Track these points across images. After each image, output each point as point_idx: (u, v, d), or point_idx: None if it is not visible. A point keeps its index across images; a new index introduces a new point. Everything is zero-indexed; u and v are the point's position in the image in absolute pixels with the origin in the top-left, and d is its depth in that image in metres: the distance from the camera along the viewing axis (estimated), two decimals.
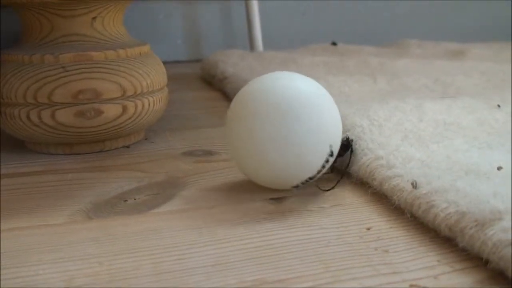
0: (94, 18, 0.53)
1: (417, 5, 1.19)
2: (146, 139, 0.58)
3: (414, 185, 0.37)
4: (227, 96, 0.75)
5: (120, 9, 0.54)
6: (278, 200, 0.41)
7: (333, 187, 0.42)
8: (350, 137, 0.45)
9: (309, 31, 1.14)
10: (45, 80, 0.49)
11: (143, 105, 0.53)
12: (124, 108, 0.52)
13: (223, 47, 1.08)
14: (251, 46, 1.04)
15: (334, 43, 1.00)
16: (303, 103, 0.38)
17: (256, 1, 1.04)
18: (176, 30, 1.10)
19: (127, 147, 0.55)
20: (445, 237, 0.34)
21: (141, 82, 0.53)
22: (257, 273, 0.31)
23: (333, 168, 0.44)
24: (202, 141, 0.56)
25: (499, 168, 0.37)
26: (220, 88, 0.79)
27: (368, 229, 0.36)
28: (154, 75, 0.54)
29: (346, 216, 0.38)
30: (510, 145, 0.42)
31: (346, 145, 0.44)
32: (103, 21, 0.53)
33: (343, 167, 0.44)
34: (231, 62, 0.82)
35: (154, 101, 0.54)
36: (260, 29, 1.03)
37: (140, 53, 0.55)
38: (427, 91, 0.63)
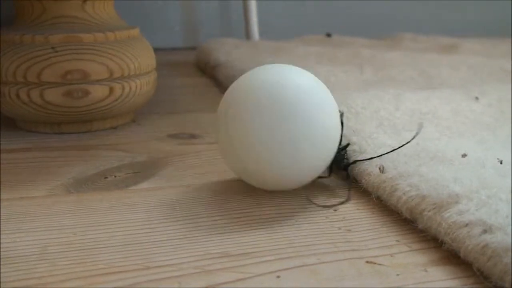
0: (85, 1, 0.54)
1: None
2: (134, 121, 0.59)
3: (381, 170, 0.38)
4: (219, 83, 0.76)
5: None
6: None
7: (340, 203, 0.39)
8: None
9: (307, 21, 1.15)
10: (35, 60, 0.51)
11: (130, 87, 0.55)
12: (111, 90, 0.53)
13: (220, 35, 1.09)
14: (247, 35, 1.05)
15: (328, 35, 1.02)
16: (305, 100, 0.36)
17: None
18: (174, 17, 1.11)
19: (114, 128, 0.57)
20: (406, 219, 0.35)
21: (129, 65, 0.54)
22: (222, 246, 0.33)
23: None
24: (189, 125, 0.58)
25: (463, 155, 0.38)
26: (212, 75, 0.80)
27: (335, 210, 0.38)
28: (142, 59, 0.56)
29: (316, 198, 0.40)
30: (481, 134, 0.44)
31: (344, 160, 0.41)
32: (94, 4, 0.55)
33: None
34: (224, 50, 0.84)
35: (141, 83, 0.56)
36: (256, 19, 1.05)
37: (129, 36, 0.56)
38: (412, 82, 0.64)
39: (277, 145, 0.35)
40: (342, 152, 0.41)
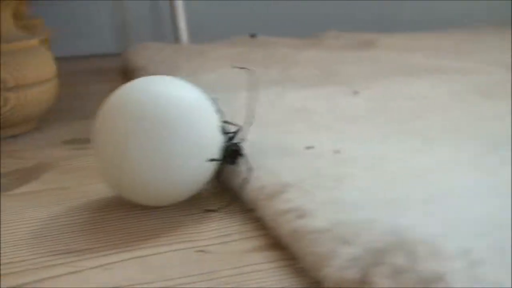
0: None
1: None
2: (37, 128, 0.61)
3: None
4: None
5: (7, 8, 0.58)
6: None
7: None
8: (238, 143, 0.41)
9: (241, 22, 1.17)
10: None
11: (26, 96, 0.56)
12: (6, 100, 0.55)
13: (154, 40, 1.11)
14: (176, 38, 1.07)
15: (253, 35, 1.04)
16: (178, 114, 0.36)
17: None
18: (106, 23, 1.13)
19: (15, 136, 0.58)
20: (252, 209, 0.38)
21: (24, 75, 0.56)
22: (70, 243, 0.35)
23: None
24: (88, 131, 0.60)
25: (308, 148, 0.40)
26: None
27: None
28: (39, 68, 0.58)
29: None
30: (344, 127, 0.46)
31: (235, 151, 0.40)
32: None
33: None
34: (145, 55, 0.86)
35: (38, 92, 0.58)
36: (185, 22, 1.07)
37: (26, 47, 0.58)
38: (311, 80, 0.67)
39: (149, 162, 0.35)
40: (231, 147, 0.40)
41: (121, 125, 0.36)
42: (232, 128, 0.41)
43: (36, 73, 0.57)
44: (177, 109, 0.36)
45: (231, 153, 0.40)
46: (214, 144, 0.38)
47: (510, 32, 0.96)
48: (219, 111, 0.39)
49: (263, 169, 0.38)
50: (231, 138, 0.40)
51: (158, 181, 0.36)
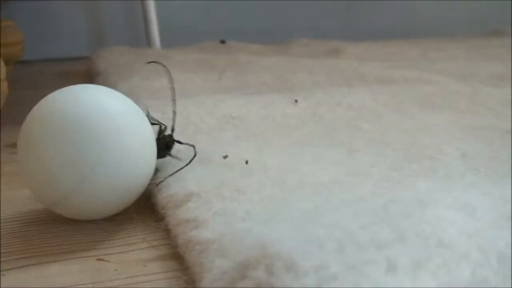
0: None
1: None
2: None
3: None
4: None
5: None
6: None
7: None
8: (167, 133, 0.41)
9: (216, 28, 1.18)
10: None
11: None
12: None
13: (127, 43, 1.11)
14: (148, 43, 1.07)
15: (222, 41, 1.04)
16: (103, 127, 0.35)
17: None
18: (82, 26, 1.13)
19: None
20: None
21: None
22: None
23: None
24: None
25: (225, 157, 0.41)
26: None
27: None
28: None
29: None
30: (270, 137, 0.47)
31: (167, 144, 0.41)
32: None
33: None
34: (108, 59, 0.86)
35: None
36: (156, 26, 1.07)
37: None
38: (262, 87, 0.67)
39: (76, 175, 0.34)
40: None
41: (41, 135, 0.35)
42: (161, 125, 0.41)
43: None
44: (105, 120, 0.35)
45: (164, 145, 0.40)
46: (145, 155, 0.37)
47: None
48: (148, 117, 0.39)
49: (175, 177, 0.39)
50: (161, 132, 0.41)
51: (81, 194, 0.35)
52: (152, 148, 0.38)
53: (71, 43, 1.11)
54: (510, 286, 0.24)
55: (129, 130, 0.36)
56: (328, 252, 0.25)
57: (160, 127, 0.42)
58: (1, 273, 0.32)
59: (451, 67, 0.78)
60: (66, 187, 0.34)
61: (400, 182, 0.36)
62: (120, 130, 0.35)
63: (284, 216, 0.30)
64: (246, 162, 0.39)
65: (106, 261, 0.34)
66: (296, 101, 0.56)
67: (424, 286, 0.23)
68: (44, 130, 0.35)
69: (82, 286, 0.31)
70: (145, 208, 0.40)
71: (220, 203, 0.34)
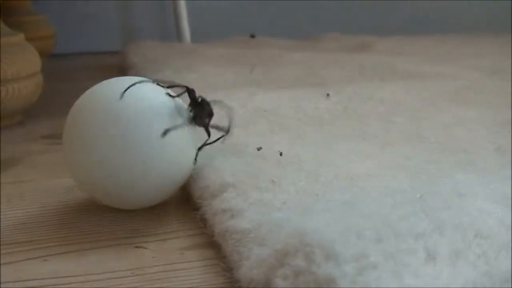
0: None
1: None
2: (20, 123, 0.63)
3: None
4: None
5: None
6: None
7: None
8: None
9: (245, 23, 1.18)
10: None
11: (7, 91, 0.58)
12: None
13: (157, 38, 1.13)
14: (178, 37, 1.08)
15: (252, 36, 1.05)
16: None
17: None
18: (114, 22, 1.15)
19: None
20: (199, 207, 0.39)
21: (6, 70, 0.58)
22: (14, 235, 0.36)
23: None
24: None
25: (259, 149, 0.41)
26: None
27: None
28: (21, 63, 0.59)
29: None
30: (303, 130, 0.47)
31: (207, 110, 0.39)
32: None
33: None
34: (140, 53, 0.87)
35: (19, 88, 0.59)
36: (187, 21, 1.08)
37: (9, 43, 0.59)
38: (292, 81, 0.67)
39: (121, 165, 0.35)
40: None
41: (88, 125, 0.36)
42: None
43: (17, 69, 0.59)
44: (147, 110, 0.35)
45: (202, 112, 0.38)
46: (186, 146, 0.37)
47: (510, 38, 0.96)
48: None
49: (211, 168, 0.39)
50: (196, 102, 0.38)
51: (126, 185, 0.35)
52: (192, 139, 0.38)
53: (103, 37, 1.13)
54: None
55: (172, 122, 0.36)
56: (367, 241, 0.25)
57: (188, 88, 0.38)
58: (44, 258, 0.33)
59: (480, 62, 0.77)
60: (110, 170, 0.35)
61: (437, 175, 0.36)
62: (163, 121, 0.35)
63: (321, 207, 0.30)
64: (281, 154, 0.40)
65: (145, 248, 0.34)
66: (328, 95, 0.56)
67: (463, 276, 0.23)
68: (92, 120, 0.35)
69: (121, 272, 0.32)
70: (181, 198, 0.41)
71: (255, 193, 0.34)
